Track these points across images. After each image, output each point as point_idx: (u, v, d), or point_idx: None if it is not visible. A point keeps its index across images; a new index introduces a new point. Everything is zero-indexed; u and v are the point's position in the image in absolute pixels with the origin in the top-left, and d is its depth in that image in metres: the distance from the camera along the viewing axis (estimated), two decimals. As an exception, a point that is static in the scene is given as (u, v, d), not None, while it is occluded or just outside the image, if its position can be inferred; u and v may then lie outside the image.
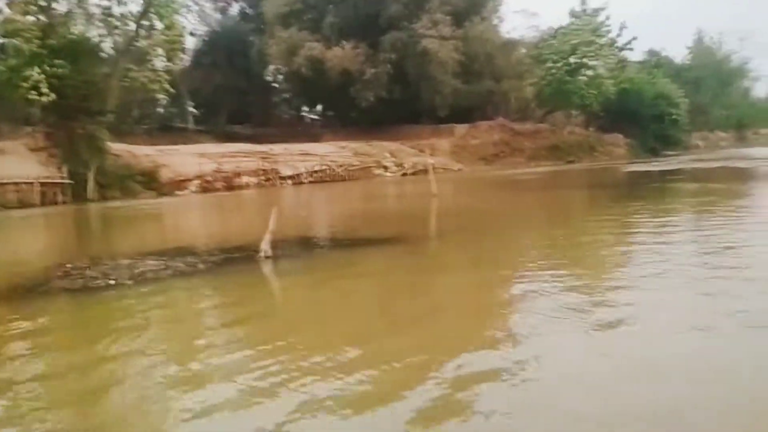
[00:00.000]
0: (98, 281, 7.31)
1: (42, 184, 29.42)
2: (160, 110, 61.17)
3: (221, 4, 62.86)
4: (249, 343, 4.67)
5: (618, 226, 10.58)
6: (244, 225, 15.56)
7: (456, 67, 49.16)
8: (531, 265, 7.24)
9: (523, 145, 53.14)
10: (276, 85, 65.85)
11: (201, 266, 8.06)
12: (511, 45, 58.08)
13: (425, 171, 46.00)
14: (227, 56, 56.70)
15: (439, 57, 47.71)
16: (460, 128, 53.11)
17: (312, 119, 70.96)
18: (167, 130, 55.14)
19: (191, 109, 62.67)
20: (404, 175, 44.47)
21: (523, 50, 60.63)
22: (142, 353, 4.60)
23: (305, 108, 69.52)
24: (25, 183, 28.84)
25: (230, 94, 58.75)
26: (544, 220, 12.97)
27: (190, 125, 57.01)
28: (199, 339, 4.95)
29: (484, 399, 3.41)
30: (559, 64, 50.44)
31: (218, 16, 61.73)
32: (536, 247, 8.82)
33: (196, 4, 58.44)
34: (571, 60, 50.52)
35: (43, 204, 29.06)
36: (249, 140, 48.27)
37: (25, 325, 5.59)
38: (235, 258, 8.71)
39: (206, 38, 59.68)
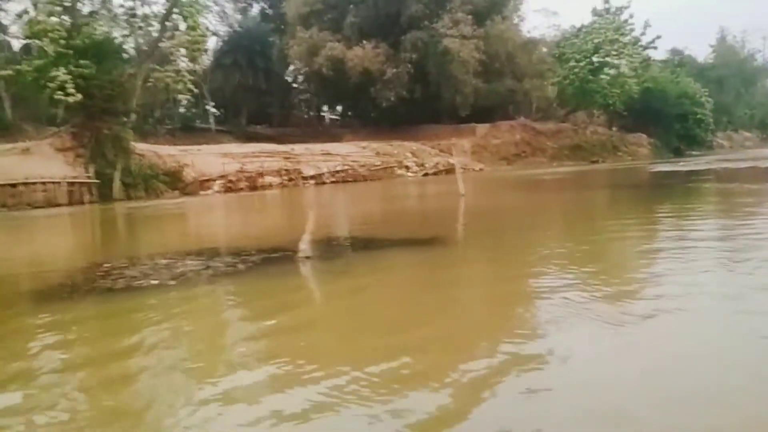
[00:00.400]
0: (140, 281, 7.25)
1: (69, 184, 29.67)
2: (182, 111, 61.73)
3: (242, 5, 63.22)
4: (298, 350, 4.56)
5: (655, 228, 10.33)
6: (276, 225, 15.51)
7: (477, 67, 48.86)
8: (570, 266, 7.07)
9: (545, 144, 52.74)
10: (296, 85, 66.03)
11: (241, 267, 7.98)
12: (532, 44, 57.64)
13: (447, 171, 46.04)
14: (248, 56, 56.93)
15: (460, 56, 47.43)
16: (481, 128, 52.83)
17: (332, 119, 71.16)
18: (189, 131, 55.59)
19: (212, 109, 63.11)
20: (426, 175, 44.29)
21: (544, 49, 60.18)
22: (198, 357, 4.52)
23: (325, 108, 69.69)
24: (52, 183, 29.10)
25: (251, 94, 59.04)
26: (576, 220, 12.75)
27: (212, 125, 57.34)
28: (252, 341, 4.85)
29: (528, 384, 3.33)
30: (582, 63, 49.96)
31: (239, 16, 62.05)
32: (571, 248, 8.64)
33: (217, 4, 58.90)
34: (594, 59, 50.00)
35: (70, 203, 29.33)
36: (270, 140, 48.42)
37: (78, 328, 5.54)
38: (273, 258, 8.61)
39: (227, 39, 59.99)
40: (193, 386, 3.92)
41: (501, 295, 6.05)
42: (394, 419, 3.25)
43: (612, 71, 50.11)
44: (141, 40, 35.16)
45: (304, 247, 8.31)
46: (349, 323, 5.30)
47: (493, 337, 4.70)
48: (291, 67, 60.21)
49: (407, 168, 44.91)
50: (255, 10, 63.57)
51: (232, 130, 57.61)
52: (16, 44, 56.76)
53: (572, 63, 50.50)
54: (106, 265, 8.77)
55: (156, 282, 7.14)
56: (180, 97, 58.61)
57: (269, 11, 61.66)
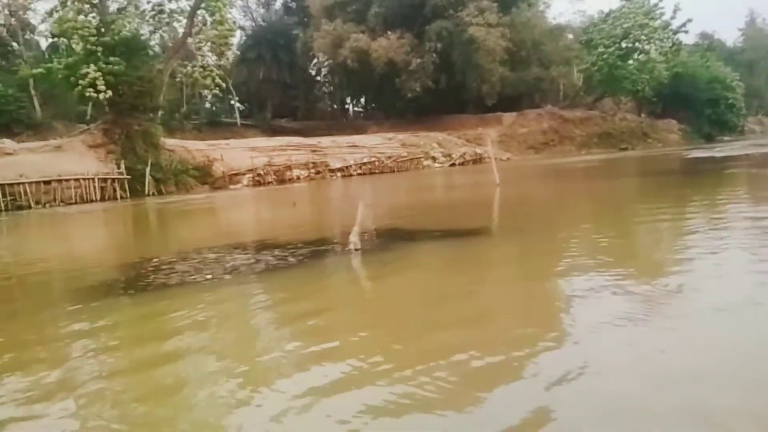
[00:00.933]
0: (193, 276, 7.17)
1: (101, 180, 29.96)
2: (207, 106, 62.08)
3: (265, -1, 63.33)
4: (365, 346, 4.41)
5: (714, 215, 9.99)
6: (313, 218, 15.42)
7: (503, 55, 48.33)
8: (625, 258, 6.82)
9: (573, 132, 51.99)
10: (319, 78, 65.97)
11: (292, 260, 7.86)
12: (558, 31, 56.86)
13: (474, 161, 45.67)
14: (272, 50, 56.95)
15: (486, 45, 46.91)
16: (508, 117, 52.28)
17: (356, 111, 70.96)
18: (215, 125, 55.87)
19: (236, 104, 63.36)
20: (452, 165, 43.96)
21: (570, 36, 59.28)
22: (267, 352, 4.41)
23: (348, 100, 69.53)
24: (85, 179, 29.39)
25: (275, 88, 59.11)
26: (620, 209, 12.42)
27: (237, 120, 57.56)
28: (317, 336, 4.73)
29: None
30: (611, 49, 49.06)
31: (262, 10, 62.13)
32: (619, 238, 8.38)
33: (231, 2, 58.99)
34: (623, 44, 49.08)
35: (102, 199, 29.64)
36: (294, 134, 48.40)
37: (144, 324, 5.48)
38: (321, 251, 8.49)
39: (251, 33, 60.10)
40: (271, 381, 3.80)
41: (560, 289, 5.83)
42: (474, 414, 3.15)
43: (641, 57, 49.13)
44: (168, 36, 35.29)
45: (354, 239, 8.16)
46: (412, 318, 5.13)
47: (555, 332, 4.50)
48: (315, 60, 60.16)
49: (434, 159, 44.61)
50: (278, 4, 63.65)
51: (258, 124, 57.79)
52: (44, 43, 57.71)
53: (600, 49, 49.58)
54: (155, 260, 8.73)
55: (210, 277, 7.05)
56: (205, 92, 59.41)
57: (292, 5, 61.63)
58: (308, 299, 5.99)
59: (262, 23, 59.20)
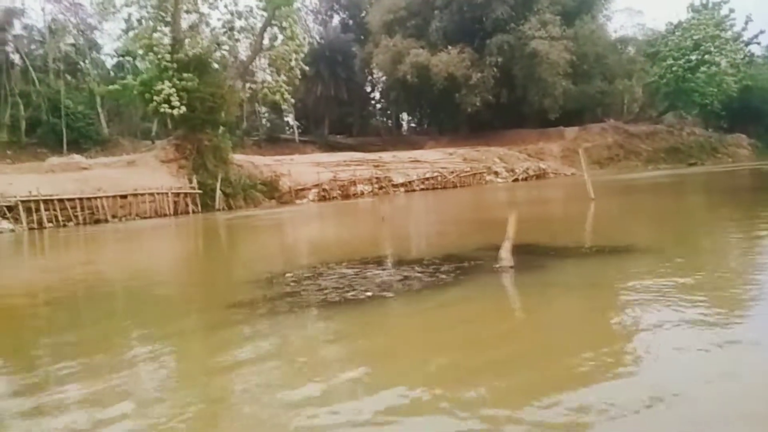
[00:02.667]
0: (351, 293, 6.76)
1: (174, 195, 30.27)
2: (265, 122, 62.92)
3: (322, 17, 63.94)
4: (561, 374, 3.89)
5: None
6: (417, 231, 14.95)
7: (566, 68, 47.40)
8: None
9: (638, 147, 50.54)
10: (376, 94, 66.23)
11: (444, 277, 7.40)
12: (622, 43, 55.56)
13: (537, 176, 44.73)
14: (329, 67, 57.38)
15: (550, 58, 46.13)
16: (570, 131, 51.20)
17: (410, 127, 70.89)
18: (273, 141, 56.50)
19: (292, 120, 64.06)
20: (516, 180, 43.14)
21: (633, 49, 57.92)
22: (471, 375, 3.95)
23: (403, 116, 69.53)
24: (159, 193, 29.73)
25: (332, 104, 59.51)
26: (737, 222, 11.63)
27: (295, 136, 58.08)
28: (511, 362, 4.24)
29: None
30: (680, 61, 47.63)
31: (320, 27, 62.71)
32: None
33: (299, 17, 59.72)
34: (693, 56, 47.55)
35: (175, 213, 29.91)
36: (350, 149, 48.48)
37: (351, 341, 5.09)
38: (468, 268, 7.99)
39: (308, 50, 60.66)
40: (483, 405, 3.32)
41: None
42: None
43: (713, 68, 47.50)
44: (239, 52, 35.75)
45: (506, 255, 7.65)
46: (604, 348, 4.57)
47: None
48: (371, 76, 60.38)
49: (496, 174, 43.89)
50: (335, 21, 64.17)
51: (315, 140, 58.19)
52: (109, 62, 59.55)
53: (669, 61, 48.18)
54: (287, 275, 8.39)
55: (369, 294, 6.63)
56: (262, 109, 60.25)
57: (350, 22, 62.14)
58: (485, 323, 5.51)
59: (320, 40, 59.72)
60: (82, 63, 53.02)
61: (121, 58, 58.91)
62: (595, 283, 6.85)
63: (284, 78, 33.20)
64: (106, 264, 13.11)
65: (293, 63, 32.40)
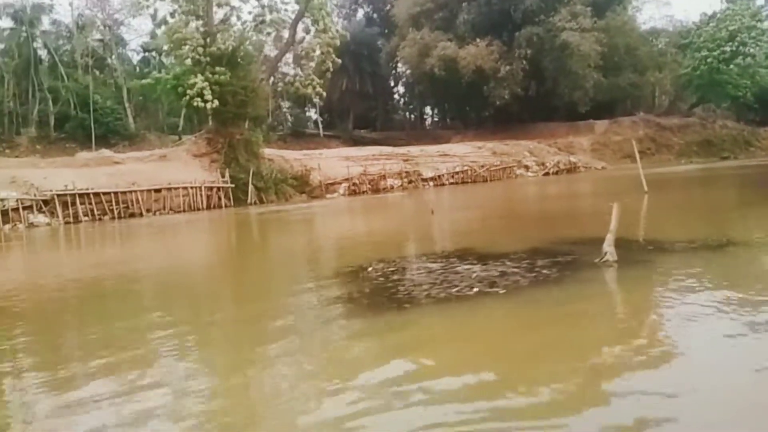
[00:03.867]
0: (452, 289, 6.38)
1: (207, 189, 30.08)
2: (288, 116, 62.72)
3: (346, 11, 63.51)
4: None
5: None
6: (476, 225, 14.48)
7: (597, 60, 46.49)
8: None
9: (670, 140, 49.55)
10: (399, 88, 65.73)
11: (546, 272, 6.99)
12: (652, 35, 54.48)
13: (568, 170, 43.99)
14: (354, 61, 56.87)
15: (581, 50, 45.24)
16: (600, 124, 50.31)
17: (434, 121, 70.33)
18: (298, 136, 56.25)
19: (314, 115, 63.81)
20: (546, 174, 42.44)
21: (664, 40, 56.81)
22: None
23: (427, 110, 69.02)
24: (192, 187, 29.55)
25: (356, 98, 59.08)
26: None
27: (320, 130, 57.79)
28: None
29: None
30: (715, 53, 46.49)
31: (344, 21, 62.27)
32: None
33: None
34: (727, 48, 46.42)
35: (208, 208, 29.72)
36: (375, 144, 47.97)
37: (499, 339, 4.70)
38: (568, 263, 7.57)
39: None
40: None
41: None
42: None
43: (747, 60, 46.38)
44: (264, 46, 35.48)
45: (610, 249, 7.21)
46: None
47: None
48: (396, 70, 59.88)
49: (527, 167, 43.22)
50: (360, 15, 63.72)
51: (340, 135, 57.84)
52: (135, 57, 59.67)
53: (704, 52, 47.05)
54: (369, 269, 8.03)
55: (476, 290, 6.24)
56: (285, 103, 60.03)
57: (374, 16, 61.58)
58: (627, 319, 5.10)
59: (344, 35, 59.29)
60: (109, 59, 53.13)
61: (146, 54, 59.12)
62: (726, 278, 6.39)
63: (308, 72, 32.76)
64: (165, 258, 12.85)
65: (326, 56, 31.97)
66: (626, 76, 50.90)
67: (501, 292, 6.10)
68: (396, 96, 69.41)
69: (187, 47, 30.03)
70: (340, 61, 34.76)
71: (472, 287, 6.31)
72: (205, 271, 9.98)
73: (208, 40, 31.09)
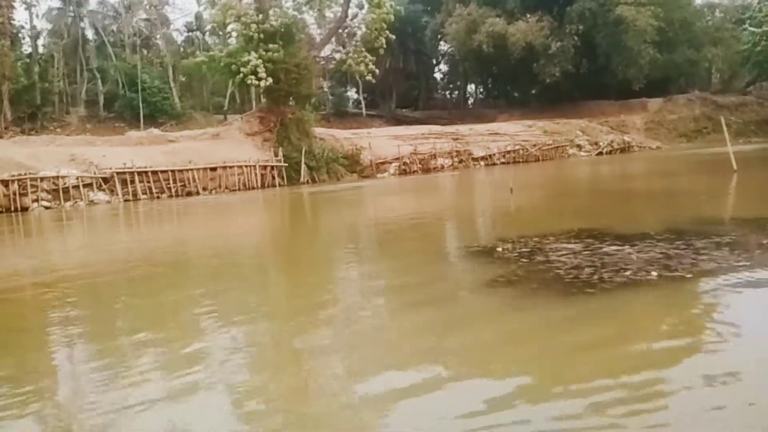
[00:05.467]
0: (625, 272, 5.81)
1: (261, 167, 29.83)
2: (329, 95, 62.13)
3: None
4: None
5: None
6: (577, 204, 13.73)
7: (653, 36, 44.81)
8: None
9: (727, 120, 47.44)
10: (442, 66, 64.63)
11: (716, 254, 6.37)
12: (709, 8, 52.34)
13: (622, 150, 42.71)
14: (398, 39, 55.81)
15: (636, 25, 43.66)
16: (654, 102, 48.71)
17: (479, 99, 69.09)
18: (341, 116, 55.71)
19: (355, 94, 63.12)
20: (599, 154, 41.31)
21: (720, 15, 54.54)
22: None
23: (471, 88, 67.84)
24: (247, 166, 29.33)
25: (399, 77, 58.16)
26: None
27: (363, 110, 57.16)
28: None
29: None
30: (779, 26, 44.44)
31: (388, -1, 61.17)
32: None
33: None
34: (792, 21, 44.32)
35: (262, 186, 29.48)
36: (417, 123, 47.15)
37: None
38: (726, 243, 6.94)
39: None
40: None
41: None
42: None
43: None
44: (323, 22, 34.91)
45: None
46: None
47: None
48: (441, 48, 58.79)
49: (579, 147, 42.14)
50: (404, -10, 62.45)
51: (382, 114, 57.15)
52: (178, 37, 59.66)
53: (764, 27, 44.94)
54: (499, 249, 7.50)
55: (656, 274, 5.66)
56: (327, 82, 59.42)
57: (419, -9, 60.26)
58: None
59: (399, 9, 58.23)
60: (154, 38, 53.17)
61: (190, 33, 59.11)
62: None
63: (360, 49, 32.05)
64: (256, 235, 12.52)
65: (380, 32, 31.28)
66: (681, 52, 49.04)
67: (687, 276, 5.51)
68: (437, 75, 68.34)
69: (240, 24, 29.62)
70: (394, 37, 34.01)
71: (648, 271, 5.74)
72: (326, 251, 9.55)
73: (260, 16, 30.62)
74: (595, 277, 5.69)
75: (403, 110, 59.94)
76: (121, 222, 19.38)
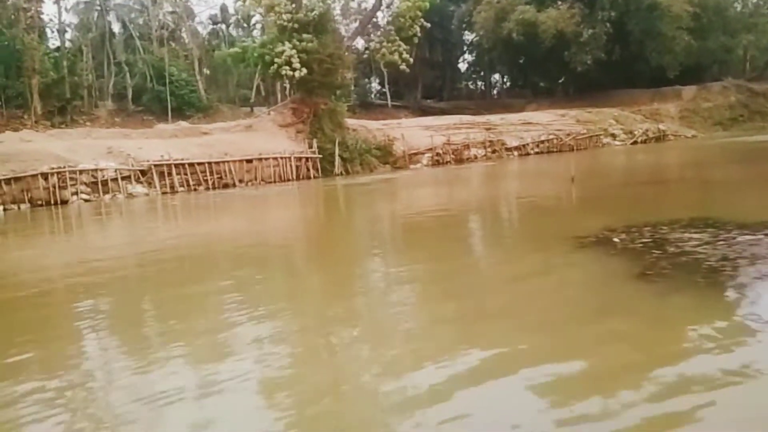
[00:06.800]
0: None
1: (296, 159, 29.48)
2: (353, 86, 61.59)
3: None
4: None
5: None
6: (652, 192, 13.21)
7: (689, 22, 43.77)
8: None
9: (764, 107, 46.59)
10: (467, 55, 63.86)
11: None
12: (744, -7, 51.14)
13: (657, 139, 41.81)
14: (425, 29, 55.21)
15: (671, 11, 42.69)
16: (688, 90, 47.62)
17: (503, 89, 68.31)
18: (366, 107, 55.17)
19: (376, 85, 62.60)
20: (634, 143, 40.49)
21: (754, 1, 53.25)
22: None
23: (496, 78, 67.10)
24: (282, 158, 29.00)
25: (425, 67, 57.45)
26: None
27: (388, 101, 56.62)
28: None
29: None
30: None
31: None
32: None
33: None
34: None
35: (297, 178, 29.15)
36: (443, 113, 46.53)
37: None
38: None
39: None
40: None
41: None
42: None
43: None
44: (347, 12, 34.42)
45: None
46: None
47: None
48: (467, 37, 58.02)
49: (614, 136, 41.34)
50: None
51: (408, 105, 56.56)
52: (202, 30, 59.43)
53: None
54: (616, 239, 7.01)
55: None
56: (350, 73, 58.85)
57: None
58: None
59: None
60: (179, 31, 52.98)
61: (215, 26, 58.85)
62: None
63: (393, 38, 31.52)
64: (330, 227, 12.14)
65: (414, 22, 30.75)
66: (715, 38, 47.92)
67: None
68: (461, 65, 67.58)
69: (274, 14, 29.23)
70: (429, 25, 33.48)
71: None
72: (429, 244, 9.11)
73: (294, 6, 30.19)
74: (712, 264, 5.20)
75: (428, 101, 59.29)
76: (162, 214, 19.17)
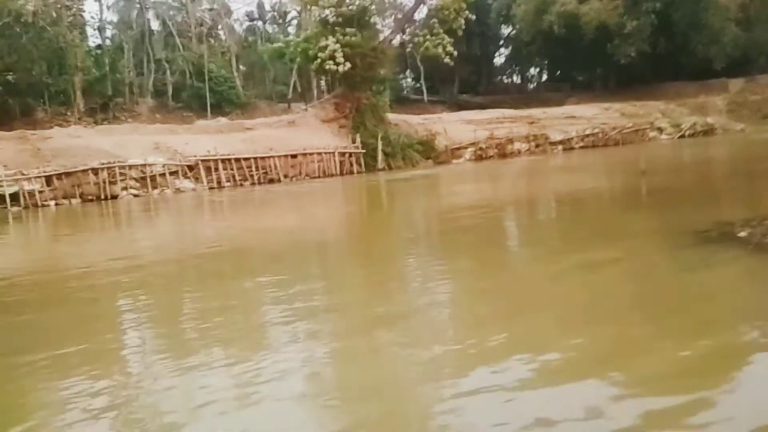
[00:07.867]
0: None
1: (340, 154, 29.28)
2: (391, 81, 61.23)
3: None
4: None
5: None
6: (727, 185, 12.66)
7: (737, 12, 42.48)
8: None
9: (814, 99, 44.97)
10: (503, 49, 63.10)
11: None
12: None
13: (704, 132, 40.64)
14: (468, 23, 54.62)
15: (718, 1, 41.43)
16: (735, 83, 46.28)
17: (540, 83, 67.33)
18: (401, 102, 54.70)
19: (410, 80, 62.14)
20: (681, 137, 39.41)
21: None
22: None
23: (533, 71, 66.20)
24: (326, 153, 28.82)
25: (463, 61, 56.75)
26: None
27: (424, 95, 56.14)
28: None
29: None
30: None
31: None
32: None
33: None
34: None
35: (341, 173, 28.95)
36: (480, 108, 45.88)
37: None
38: None
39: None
40: None
41: None
42: None
43: None
44: (383, 7, 34.11)
45: None
46: None
47: None
48: (504, 30, 57.28)
49: (660, 130, 40.30)
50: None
51: (444, 100, 55.96)
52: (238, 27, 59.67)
53: None
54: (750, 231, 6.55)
55: None
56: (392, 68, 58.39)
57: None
58: None
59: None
60: (217, 29, 53.25)
61: (252, 23, 59.06)
62: None
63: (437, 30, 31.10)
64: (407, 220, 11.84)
65: (459, 13, 30.31)
66: (764, 29, 46.41)
67: None
68: (498, 59, 66.79)
69: (318, 8, 29.07)
70: (474, 17, 32.98)
71: None
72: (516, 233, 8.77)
73: (336, 0, 29.97)
74: None
75: (464, 95, 58.64)
76: (214, 209, 19.14)
